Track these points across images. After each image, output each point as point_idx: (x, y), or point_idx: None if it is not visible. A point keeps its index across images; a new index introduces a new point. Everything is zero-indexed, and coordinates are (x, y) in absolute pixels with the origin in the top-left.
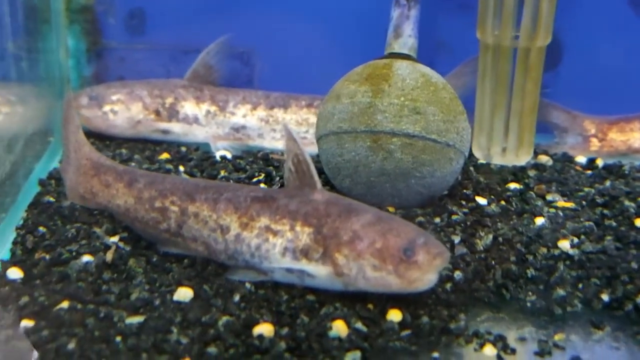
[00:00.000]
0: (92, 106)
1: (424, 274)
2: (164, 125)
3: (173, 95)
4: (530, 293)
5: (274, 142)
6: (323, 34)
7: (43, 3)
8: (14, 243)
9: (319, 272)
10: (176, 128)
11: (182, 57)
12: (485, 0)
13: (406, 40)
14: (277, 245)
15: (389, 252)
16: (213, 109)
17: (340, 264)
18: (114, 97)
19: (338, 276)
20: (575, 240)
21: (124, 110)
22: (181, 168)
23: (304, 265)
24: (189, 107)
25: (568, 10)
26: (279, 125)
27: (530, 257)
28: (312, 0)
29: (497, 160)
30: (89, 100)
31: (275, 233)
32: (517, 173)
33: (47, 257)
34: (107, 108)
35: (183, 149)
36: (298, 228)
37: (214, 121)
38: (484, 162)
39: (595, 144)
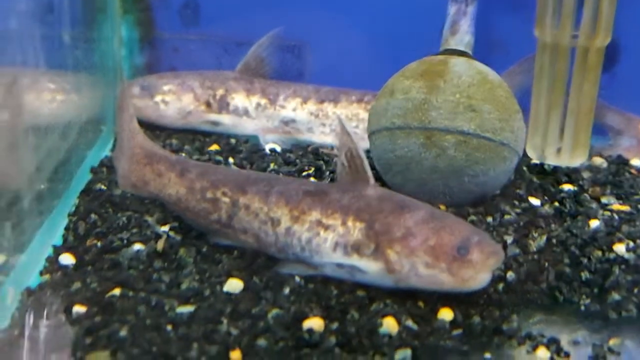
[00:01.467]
0: (143, 96)
1: (478, 273)
2: (214, 116)
3: (224, 87)
4: (584, 296)
5: (323, 137)
6: (375, 28)
7: None
8: (67, 229)
9: (370, 268)
10: (226, 120)
11: (235, 49)
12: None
13: (463, 36)
14: (328, 239)
15: (442, 249)
16: (263, 101)
17: (392, 260)
18: (166, 88)
19: (390, 272)
20: (631, 244)
21: (175, 100)
22: (231, 160)
23: (355, 260)
24: (239, 99)
25: (626, 10)
26: (328, 119)
27: (585, 260)
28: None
29: (551, 160)
30: (140, 90)
31: (326, 227)
32: (571, 174)
33: (99, 244)
34: (158, 98)
35: (232, 140)
36: (350, 223)
37: (264, 114)
38: (537, 162)
39: None
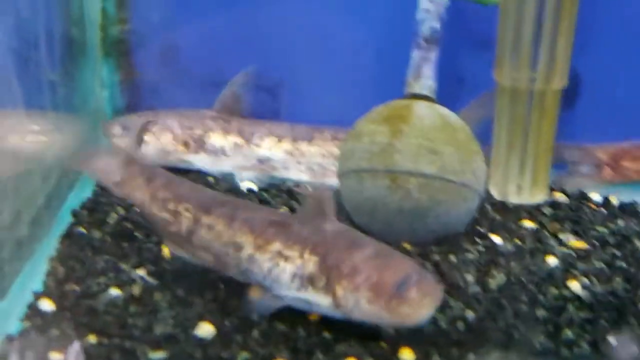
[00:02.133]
0: (124, 135)
1: (415, 311)
2: (192, 156)
3: (202, 127)
4: (539, 334)
5: (299, 174)
6: (347, 68)
7: (79, 35)
8: (47, 274)
9: (321, 301)
10: (204, 159)
11: (213, 89)
12: (502, 42)
13: (425, 81)
14: (287, 270)
15: (382, 286)
16: (240, 140)
17: (339, 295)
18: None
19: (336, 307)
20: (586, 281)
21: (154, 140)
22: None
23: (309, 293)
24: (216, 139)
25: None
26: (304, 157)
27: (541, 297)
28: (337, 37)
29: (513, 198)
30: (122, 130)
31: (286, 258)
32: (533, 211)
33: (78, 289)
34: None
35: (210, 179)
36: (306, 255)
37: (240, 152)
38: (500, 199)
39: (608, 172)
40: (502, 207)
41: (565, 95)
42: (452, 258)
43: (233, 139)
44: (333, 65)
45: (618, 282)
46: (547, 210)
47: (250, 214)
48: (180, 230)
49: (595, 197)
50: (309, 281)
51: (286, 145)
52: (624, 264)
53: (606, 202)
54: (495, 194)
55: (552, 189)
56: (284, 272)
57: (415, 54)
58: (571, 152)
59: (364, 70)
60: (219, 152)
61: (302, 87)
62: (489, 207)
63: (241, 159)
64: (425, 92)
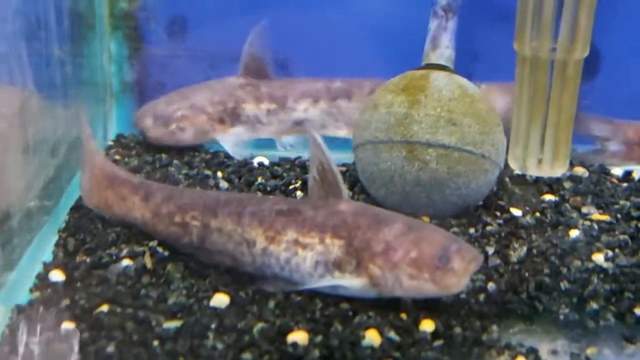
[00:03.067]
0: (158, 126)
1: (460, 279)
2: (230, 130)
3: (233, 100)
4: (563, 306)
5: (336, 131)
6: (362, 42)
7: (87, 9)
8: (56, 245)
9: (353, 283)
10: (241, 131)
11: (222, 64)
12: (523, 12)
13: (443, 51)
14: (307, 258)
15: (424, 261)
16: (273, 106)
17: (375, 275)
18: (178, 114)
19: (374, 287)
20: (610, 253)
21: (190, 125)
22: (219, 174)
23: (337, 277)
24: (249, 108)
25: (606, 21)
26: (342, 115)
27: (564, 270)
28: (351, 8)
29: (533, 171)
30: (154, 121)
31: (304, 246)
32: (553, 185)
33: (88, 260)
34: (173, 126)
35: (221, 154)
36: (328, 240)
37: (276, 118)
38: (519, 173)
39: (638, 151)
40: (522, 180)
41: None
42: (472, 231)
43: (266, 106)
44: (352, 37)
45: None
46: (568, 184)
47: (257, 207)
48: (192, 240)
49: (616, 171)
50: (336, 266)
51: (323, 105)
52: None
53: (627, 176)
54: (515, 167)
55: (572, 163)
56: (304, 261)
57: (433, 24)
58: (601, 126)
59: (386, 39)
60: (255, 122)
61: (318, 61)
62: (508, 180)
63: (277, 124)
64: (443, 61)
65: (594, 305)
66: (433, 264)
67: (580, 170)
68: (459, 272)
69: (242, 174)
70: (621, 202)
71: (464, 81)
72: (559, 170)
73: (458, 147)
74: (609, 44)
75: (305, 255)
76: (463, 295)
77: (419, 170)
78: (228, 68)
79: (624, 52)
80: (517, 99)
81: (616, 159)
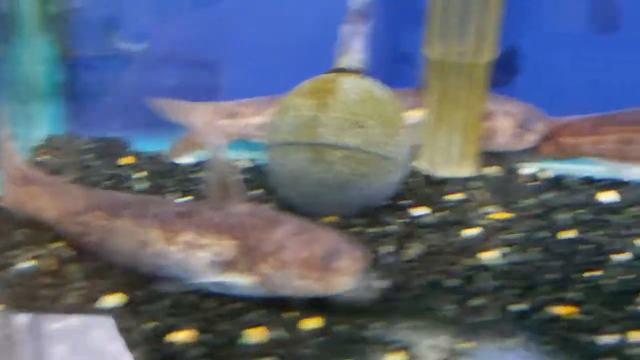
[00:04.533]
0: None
1: (345, 279)
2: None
3: None
4: (449, 303)
5: None
6: (286, 44)
7: (16, 10)
8: None
9: (246, 283)
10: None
11: (155, 65)
12: (431, 16)
13: (354, 55)
14: (203, 259)
15: (312, 261)
16: None
17: (266, 274)
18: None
19: (265, 286)
20: (502, 251)
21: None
22: (140, 174)
23: (231, 277)
24: None
25: (525, 19)
26: None
27: (455, 268)
28: (273, 13)
29: (442, 171)
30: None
31: (201, 247)
32: (462, 184)
33: None
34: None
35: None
36: (223, 241)
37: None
38: (429, 173)
39: (547, 146)
40: (431, 180)
41: (504, 71)
42: (373, 230)
43: None
44: (270, 41)
45: (534, 252)
46: (477, 183)
47: (159, 209)
48: (95, 240)
49: (528, 170)
50: (231, 266)
51: None
52: (542, 234)
53: (537, 176)
54: (424, 167)
55: (484, 162)
56: (200, 261)
57: (345, 28)
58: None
59: (300, 45)
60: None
61: (239, 63)
62: (417, 180)
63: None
64: (354, 65)
65: (477, 302)
66: (320, 264)
67: (491, 169)
68: (344, 272)
69: (165, 175)
70: (526, 200)
71: (372, 84)
72: (467, 170)
73: (362, 148)
74: (529, 43)
75: (201, 256)
76: (353, 293)
77: (324, 172)
78: (160, 69)
79: (543, 50)
80: (426, 101)
81: (527, 155)
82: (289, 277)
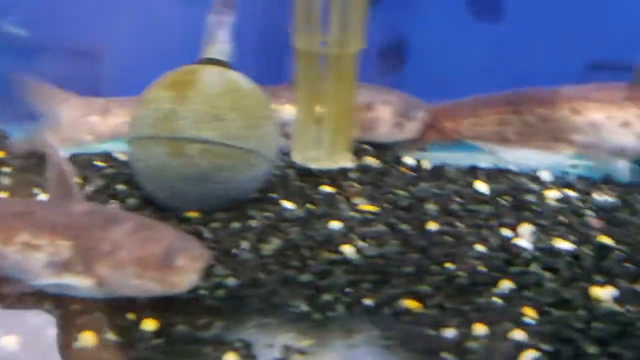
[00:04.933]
0: None
1: (185, 277)
2: None
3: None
4: (300, 298)
5: None
6: (168, 35)
7: None
8: None
9: (81, 284)
10: None
11: (31, 54)
12: (297, 7)
13: (221, 46)
14: (39, 260)
15: (149, 260)
16: None
17: (102, 275)
18: None
19: (102, 286)
20: (361, 244)
21: None
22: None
23: (66, 279)
24: None
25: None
26: None
27: (312, 262)
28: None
29: (314, 164)
30: None
31: (36, 247)
32: (336, 176)
33: None
34: None
35: None
36: (58, 242)
37: None
38: (302, 165)
39: (430, 135)
40: (305, 172)
41: (391, 60)
42: (235, 225)
43: None
44: (148, 36)
45: (393, 245)
46: (353, 175)
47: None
48: None
49: (409, 161)
50: (66, 267)
51: None
52: (405, 227)
53: (417, 166)
54: (298, 160)
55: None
56: (36, 262)
57: (210, 19)
58: None
59: (176, 39)
60: None
61: (119, 57)
62: (290, 172)
63: None
64: (219, 56)
65: (327, 297)
66: (158, 263)
67: (371, 161)
68: (184, 271)
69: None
70: (398, 192)
71: (235, 76)
72: (340, 162)
73: (221, 142)
74: (415, 34)
75: (37, 257)
76: (201, 292)
77: (183, 166)
78: (38, 59)
79: (429, 40)
80: (296, 92)
81: (412, 144)
82: (126, 278)
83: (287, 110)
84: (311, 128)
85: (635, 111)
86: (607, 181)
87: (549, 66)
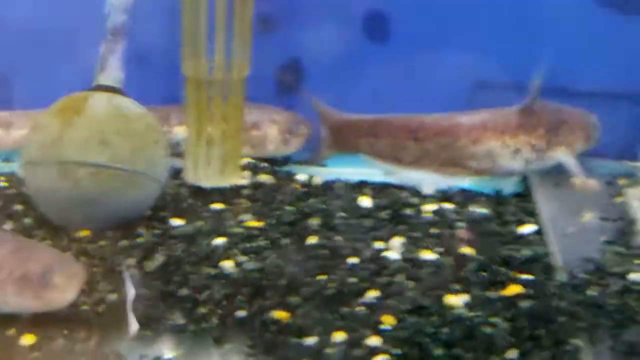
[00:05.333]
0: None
1: (63, 295)
2: None
3: None
4: (178, 312)
5: None
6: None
7: None
8: None
9: None
10: None
11: None
12: (185, 35)
13: (111, 72)
14: None
15: (28, 279)
16: None
17: None
18: None
19: None
20: (242, 258)
21: None
22: None
23: None
24: None
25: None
26: None
27: (192, 277)
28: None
29: (204, 182)
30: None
31: None
32: (228, 193)
33: None
34: None
35: None
36: None
37: None
38: (195, 184)
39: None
40: (197, 191)
41: (287, 81)
42: (123, 243)
43: None
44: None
45: (272, 259)
46: (246, 192)
47: None
48: None
49: (301, 177)
50: None
51: None
52: (286, 241)
53: (308, 182)
54: (190, 179)
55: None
56: None
57: (102, 47)
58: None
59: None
60: None
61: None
62: (183, 191)
63: None
64: (110, 83)
65: (203, 310)
66: (36, 282)
67: (265, 177)
68: (61, 289)
69: None
70: (286, 207)
71: (124, 101)
72: (231, 179)
73: (108, 165)
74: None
75: None
76: (83, 307)
77: (71, 189)
78: None
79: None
80: (187, 116)
81: (311, 157)
82: (6, 296)
83: (179, 131)
84: (202, 148)
85: (525, 138)
86: (485, 194)
87: (437, 85)
